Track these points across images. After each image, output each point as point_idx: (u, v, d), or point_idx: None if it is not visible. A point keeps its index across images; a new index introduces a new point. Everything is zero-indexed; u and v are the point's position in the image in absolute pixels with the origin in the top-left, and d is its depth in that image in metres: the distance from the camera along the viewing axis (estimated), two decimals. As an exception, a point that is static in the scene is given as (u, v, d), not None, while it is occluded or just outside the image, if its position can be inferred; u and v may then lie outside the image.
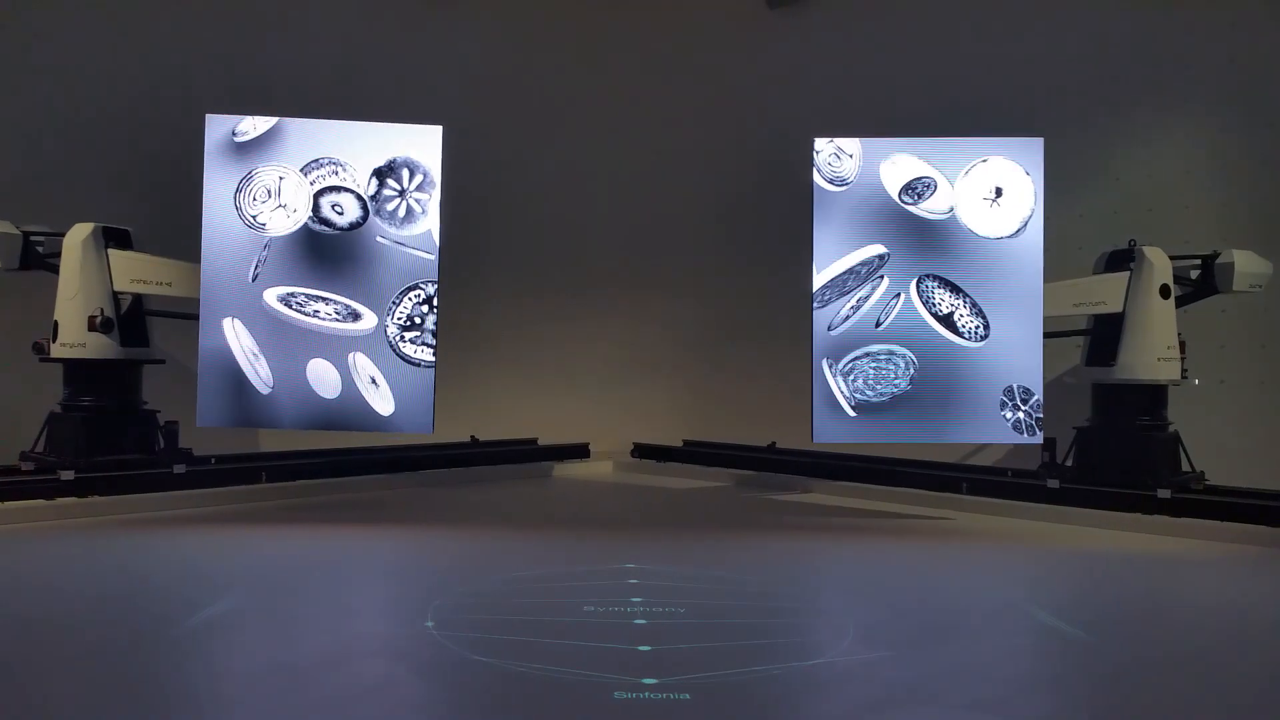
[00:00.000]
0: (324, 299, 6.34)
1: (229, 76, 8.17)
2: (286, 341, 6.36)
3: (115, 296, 6.67)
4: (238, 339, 6.24)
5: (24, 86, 7.68)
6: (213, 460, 6.94)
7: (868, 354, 6.49)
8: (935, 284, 6.41)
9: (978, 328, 6.46)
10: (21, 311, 7.10)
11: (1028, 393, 6.45)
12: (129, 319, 6.74)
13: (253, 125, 6.35)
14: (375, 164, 6.41)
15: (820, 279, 6.56)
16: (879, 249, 6.51)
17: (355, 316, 6.34)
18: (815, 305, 6.56)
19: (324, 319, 6.34)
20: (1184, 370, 6.73)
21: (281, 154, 6.35)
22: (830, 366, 6.48)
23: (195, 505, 6.59)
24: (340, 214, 6.33)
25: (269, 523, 6.21)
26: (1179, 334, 6.70)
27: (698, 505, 7.44)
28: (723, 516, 6.97)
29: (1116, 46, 8.04)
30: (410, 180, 6.39)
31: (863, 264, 6.49)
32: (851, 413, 6.54)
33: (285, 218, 6.33)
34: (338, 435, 7.29)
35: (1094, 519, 6.46)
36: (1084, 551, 5.72)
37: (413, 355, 6.45)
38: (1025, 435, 6.48)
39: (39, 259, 6.78)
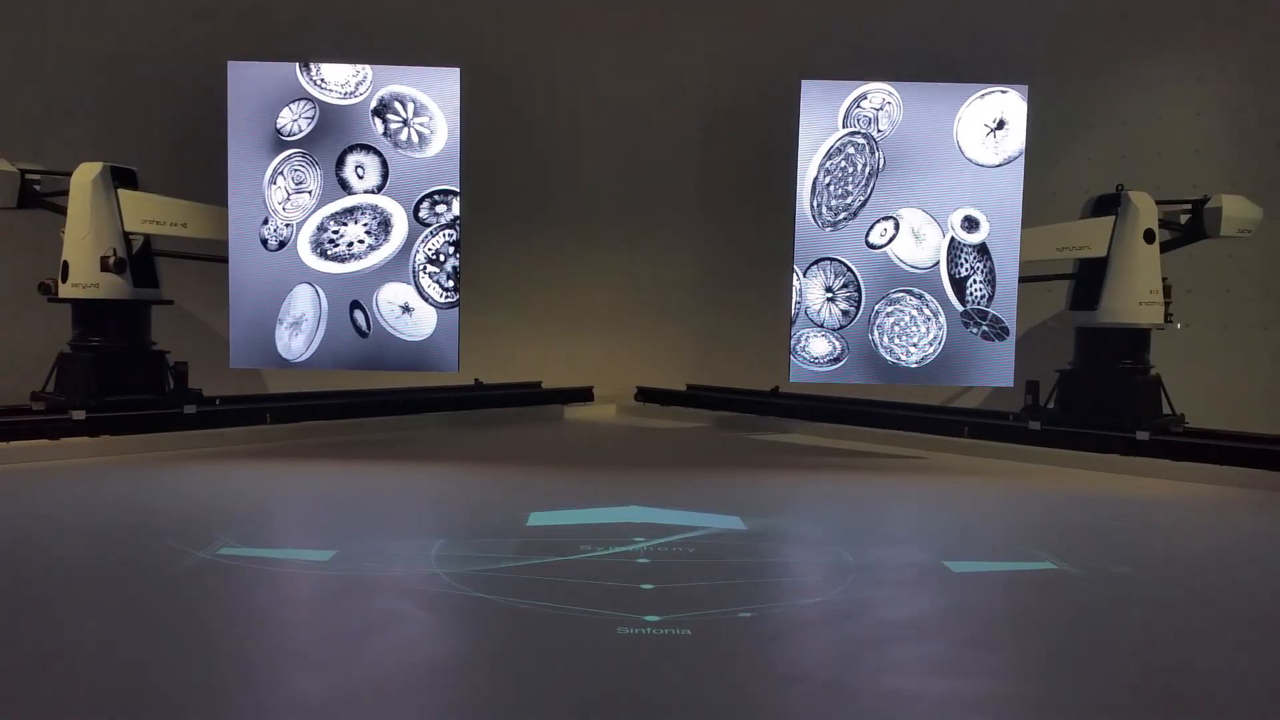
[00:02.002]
0: (352, 211, 6.48)
1: (249, 21, 8.06)
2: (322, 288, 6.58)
3: (126, 237, 6.67)
4: (320, 301, 6.47)
5: (35, 21, 7.62)
6: (217, 401, 6.99)
7: (920, 297, 6.45)
8: (970, 247, 6.39)
9: (983, 297, 6.53)
10: (19, 251, 7.13)
11: (982, 313, 6.57)
12: (139, 259, 6.73)
13: (297, 125, 6.44)
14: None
15: (809, 174, 6.57)
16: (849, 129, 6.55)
17: (387, 227, 6.48)
18: (836, 222, 6.58)
19: (358, 251, 6.49)
20: (1168, 314, 6.78)
21: (319, 150, 6.53)
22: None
23: (207, 445, 6.69)
24: (361, 177, 6.42)
25: (280, 461, 6.31)
26: (1164, 278, 6.73)
27: (699, 448, 7.54)
28: (724, 458, 7.07)
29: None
30: (407, 109, 6.53)
31: (846, 142, 6.48)
32: (836, 344, 6.61)
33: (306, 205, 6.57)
34: (353, 377, 7.48)
35: (1074, 460, 6.62)
36: (1062, 491, 5.83)
37: (425, 288, 6.59)
38: (996, 342, 6.58)
39: (37, 197, 6.73)
